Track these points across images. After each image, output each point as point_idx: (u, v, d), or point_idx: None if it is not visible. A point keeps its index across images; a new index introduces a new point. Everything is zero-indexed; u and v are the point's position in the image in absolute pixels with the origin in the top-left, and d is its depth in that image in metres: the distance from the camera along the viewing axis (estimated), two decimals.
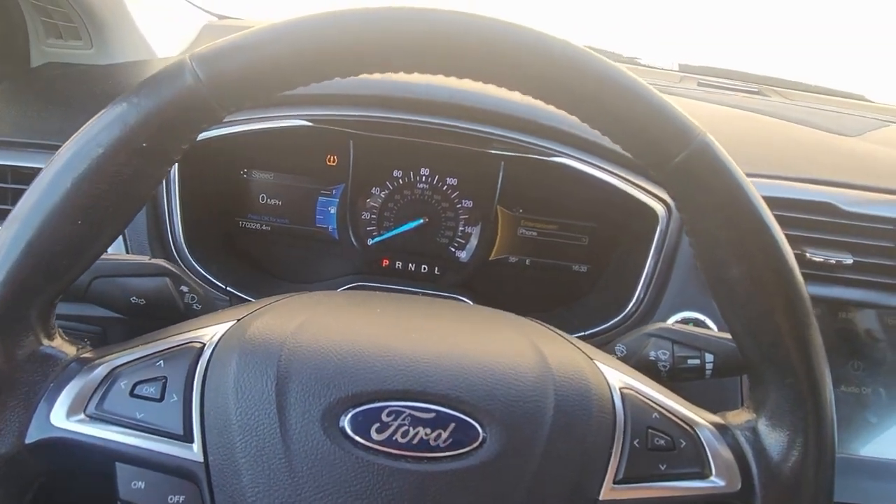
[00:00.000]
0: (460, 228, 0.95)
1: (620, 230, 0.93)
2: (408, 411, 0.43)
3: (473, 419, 0.44)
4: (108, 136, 0.41)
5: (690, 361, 0.62)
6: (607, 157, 0.81)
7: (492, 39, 0.42)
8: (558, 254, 0.97)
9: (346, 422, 0.43)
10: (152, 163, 0.44)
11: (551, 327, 0.55)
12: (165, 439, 0.44)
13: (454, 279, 0.95)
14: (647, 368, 0.62)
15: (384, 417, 0.43)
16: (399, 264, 0.96)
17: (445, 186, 0.94)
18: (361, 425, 0.43)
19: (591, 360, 0.51)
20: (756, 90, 1.40)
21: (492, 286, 0.97)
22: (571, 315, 0.92)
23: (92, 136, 0.41)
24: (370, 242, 0.95)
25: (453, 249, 0.96)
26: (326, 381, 0.44)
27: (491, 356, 0.47)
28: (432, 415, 0.44)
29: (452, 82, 0.80)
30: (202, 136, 0.79)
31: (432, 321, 0.53)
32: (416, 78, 0.80)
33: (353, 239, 0.94)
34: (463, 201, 0.94)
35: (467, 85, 0.81)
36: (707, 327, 0.80)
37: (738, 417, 0.51)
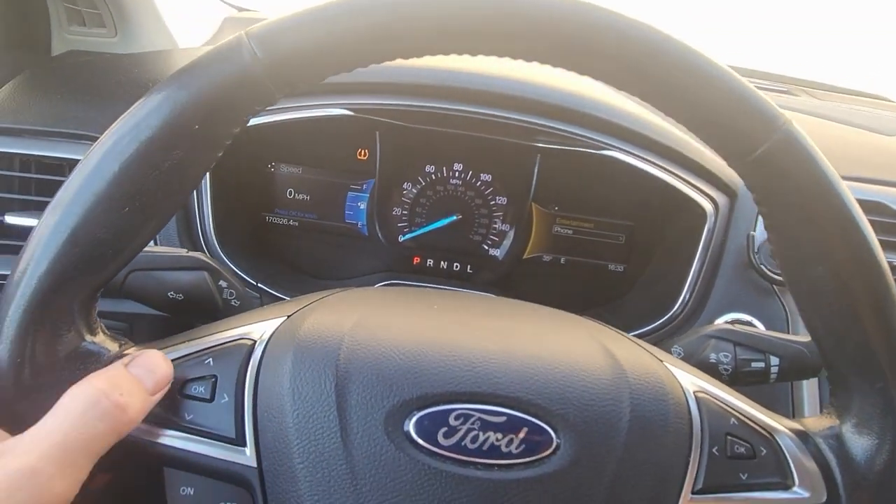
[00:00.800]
0: (494, 226, 0.92)
1: (660, 229, 0.90)
2: (477, 415, 0.40)
3: (546, 423, 0.41)
4: (159, 118, 0.38)
5: (754, 364, 0.59)
6: (658, 152, 0.78)
7: (560, 17, 0.39)
8: (594, 253, 0.94)
9: (411, 426, 0.40)
10: (204, 147, 0.41)
11: (612, 327, 0.53)
12: (216, 442, 0.41)
13: (487, 277, 0.93)
14: (708, 371, 0.59)
15: (452, 421, 0.40)
16: (431, 262, 0.93)
17: (479, 183, 0.91)
18: (427, 429, 0.40)
19: (661, 361, 0.48)
20: (785, 89, 1.38)
21: (525, 285, 0.95)
22: (610, 316, 0.89)
23: (141, 118, 0.39)
24: (401, 239, 0.93)
25: (487, 247, 0.93)
26: (389, 382, 0.41)
27: (560, 357, 0.44)
28: (503, 419, 0.41)
29: (496, 70, 0.78)
30: None
31: (494, 319, 0.50)
32: (458, 65, 0.78)
33: (383, 235, 0.91)
34: (497, 198, 0.92)
35: (512, 73, 0.78)
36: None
37: (820, 424, 0.48)
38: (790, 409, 0.77)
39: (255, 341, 0.44)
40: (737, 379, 0.60)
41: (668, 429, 0.43)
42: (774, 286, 0.79)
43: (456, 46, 0.40)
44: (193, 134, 0.39)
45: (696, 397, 0.45)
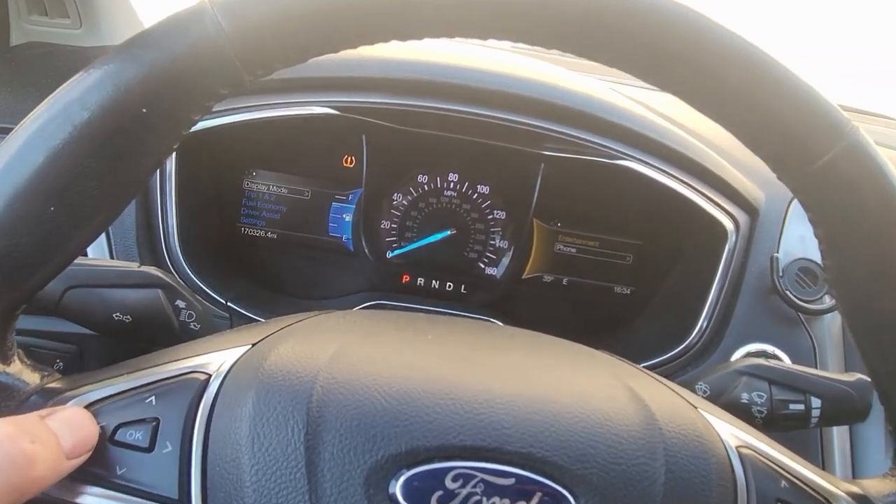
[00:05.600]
0: (491, 242, 0.87)
1: (673, 249, 0.84)
2: (480, 475, 0.33)
3: (564, 487, 0.34)
4: (98, 97, 0.32)
5: (793, 407, 0.52)
6: (678, 164, 0.71)
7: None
8: (599, 273, 0.89)
9: (397, 487, 0.33)
10: (153, 135, 0.35)
11: (632, 363, 0.45)
12: None
13: (483, 299, 0.87)
14: (739, 414, 0.52)
15: (449, 483, 0.33)
16: (421, 281, 0.87)
17: (476, 195, 0.86)
18: (418, 493, 0.33)
19: (695, 408, 0.40)
20: None
21: (524, 307, 0.89)
22: (617, 344, 0.82)
23: (75, 96, 0.33)
24: (389, 255, 0.86)
25: (483, 265, 0.87)
26: (372, 432, 0.34)
27: (580, 402, 0.37)
28: (511, 480, 0.34)
29: (500, 67, 0.72)
30: (202, 125, 0.70)
31: (499, 354, 0.43)
32: (459, 61, 0.72)
33: (369, 251, 0.85)
34: (495, 212, 0.86)
35: (518, 71, 0.72)
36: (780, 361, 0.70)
37: (883, 487, 0.41)
38: (819, 456, 0.70)
39: (210, 375, 0.37)
40: (772, 423, 0.53)
41: (711, 494, 0.36)
42: (800, 314, 0.72)
43: (469, 29, 0.34)
44: (141, 118, 0.33)
45: (740, 454, 0.38)
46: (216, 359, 0.38)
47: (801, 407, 0.52)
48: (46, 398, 0.36)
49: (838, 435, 0.70)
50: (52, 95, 0.33)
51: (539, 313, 0.88)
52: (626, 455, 0.35)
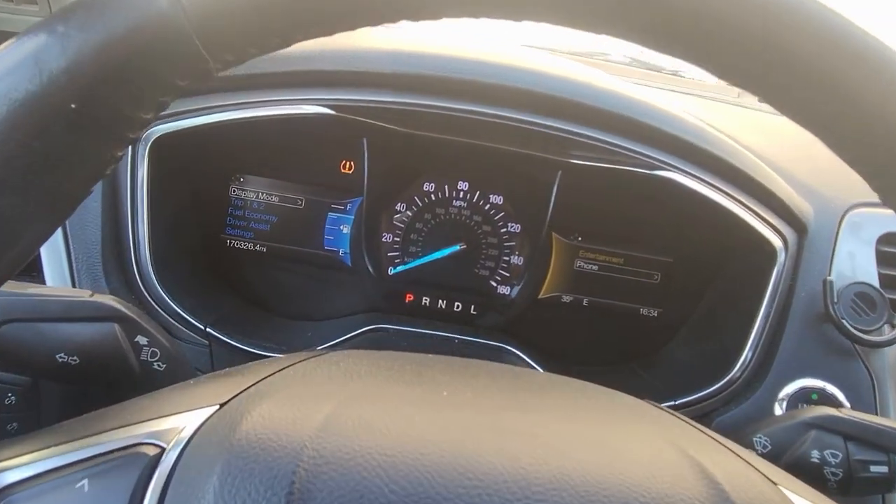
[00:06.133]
0: (505, 258, 0.79)
1: (705, 268, 0.77)
2: None
3: None
4: (10, 88, 0.26)
5: (874, 469, 0.44)
6: (724, 175, 0.63)
7: None
8: (623, 293, 0.81)
9: None
10: (87, 139, 0.28)
11: (688, 419, 0.37)
12: None
13: (495, 321, 0.80)
14: (809, 475, 0.44)
15: None
16: (426, 300, 0.80)
17: (488, 206, 0.79)
18: None
19: (776, 485, 0.32)
20: None
21: (540, 330, 0.81)
22: (647, 374, 0.73)
23: None
24: (391, 272, 0.79)
25: (495, 284, 0.80)
26: None
27: (638, 487, 0.29)
28: None
29: (521, 61, 0.64)
30: (181, 124, 0.62)
31: (532, 416, 0.34)
32: (471, 54, 0.64)
33: (369, 266, 0.77)
34: (509, 225, 0.79)
35: (542, 67, 0.64)
36: (838, 402, 0.62)
37: None
38: None
39: (164, 449, 0.29)
40: (849, 487, 0.45)
41: None
42: (856, 345, 0.63)
43: (502, 8, 0.28)
44: (69, 116, 0.27)
45: None
46: (173, 424, 0.30)
47: (885, 469, 0.44)
48: None
49: None
50: None
51: (557, 337, 0.81)
52: None
